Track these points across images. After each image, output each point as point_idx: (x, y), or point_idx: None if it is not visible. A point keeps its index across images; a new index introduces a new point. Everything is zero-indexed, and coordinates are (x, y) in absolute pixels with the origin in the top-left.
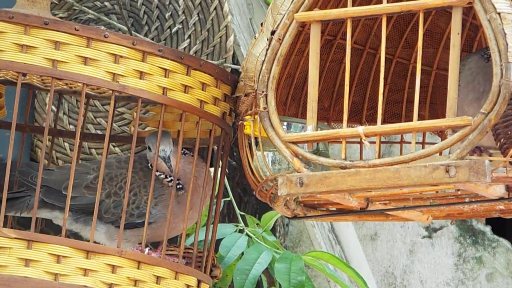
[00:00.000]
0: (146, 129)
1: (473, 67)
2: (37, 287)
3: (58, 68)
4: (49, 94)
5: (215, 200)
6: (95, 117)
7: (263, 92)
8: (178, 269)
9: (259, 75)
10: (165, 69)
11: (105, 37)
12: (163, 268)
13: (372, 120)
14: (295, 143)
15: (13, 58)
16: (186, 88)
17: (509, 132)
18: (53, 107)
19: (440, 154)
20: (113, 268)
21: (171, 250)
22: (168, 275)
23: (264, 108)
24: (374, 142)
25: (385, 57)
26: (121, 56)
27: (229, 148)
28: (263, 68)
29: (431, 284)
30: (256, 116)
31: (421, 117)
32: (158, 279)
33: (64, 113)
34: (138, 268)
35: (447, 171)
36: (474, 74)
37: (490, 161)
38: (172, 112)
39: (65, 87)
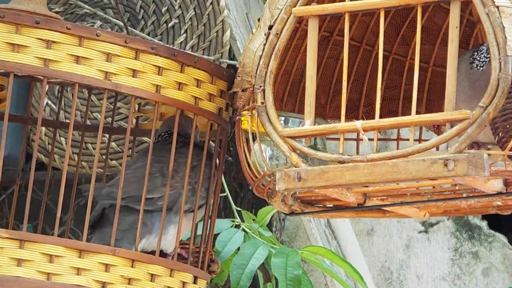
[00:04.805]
0: (147, 121)
1: (463, 69)
2: (30, 287)
3: (50, 67)
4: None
5: (213, 195)
6: (91, 112)
7: (260, 87)
8: (173, 266)
9: (257, 70)
10: (159, 67)
11: (97, 35)
12: (157, 266)
13: (368, 117)
14: (292, 137)
15: (5, 57)
16: (180, 85)
17: (508, 126)
18: (50, 102)
19: (437, 149)
20: (107, 266)
21: (181, 245)
22: (163, 272)
23: (262, 103)
24: (372, 139)
25: (382, 54)
26: (113, 55)
27: (226, 143)
28: (261, 62)
29: (427, 279)
30: (254, 111)
31: (417, 114)
32: (152, 276)
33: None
34: (132, 267)
35: (445, 165)
36: (463, 76)
37: (489, 154)
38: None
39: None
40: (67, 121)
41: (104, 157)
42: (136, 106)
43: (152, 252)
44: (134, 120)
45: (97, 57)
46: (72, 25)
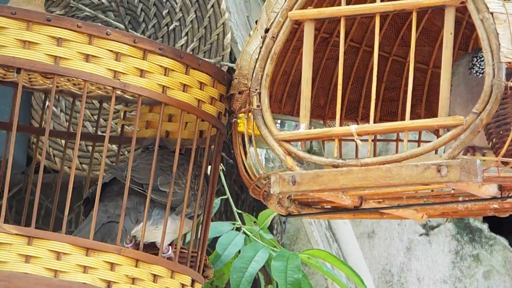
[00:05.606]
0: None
1: (461, 73)
2: (37, 284)
3: (60, 65)
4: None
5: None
6: (92, 115)
7: (256, 90)
8: (174, 268)
9: (253, 73)
10: (165, 68)
11: (107, 34)
12: (160, 267)
13: (367, 118)
14: (288, 141)
15: (15, 54)
16: (185, 87)
17: (501, 132)
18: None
19: (436, 152)
20: (112, 265)
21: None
22: (165, 273)
23: (258, 106)
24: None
25: (381, 55)
26: (122, 54)
27: (227, 145)
28: (257, 66)
29: (428, 282)
30: (250, 114)
31: (417, 115)
32: (155, 277)
33: (61, 110)
34: (136, 266)
35: (438, 171)
36: (460, 80)
37: (482, 160)
38: (159, 113)
39: (50, 85)
40: (67, 123)
41: (108, 160)
42: (122, 114)
43: (152, 250)
44: (119, 129)
45: (106, 56)
46: (82, 23)
